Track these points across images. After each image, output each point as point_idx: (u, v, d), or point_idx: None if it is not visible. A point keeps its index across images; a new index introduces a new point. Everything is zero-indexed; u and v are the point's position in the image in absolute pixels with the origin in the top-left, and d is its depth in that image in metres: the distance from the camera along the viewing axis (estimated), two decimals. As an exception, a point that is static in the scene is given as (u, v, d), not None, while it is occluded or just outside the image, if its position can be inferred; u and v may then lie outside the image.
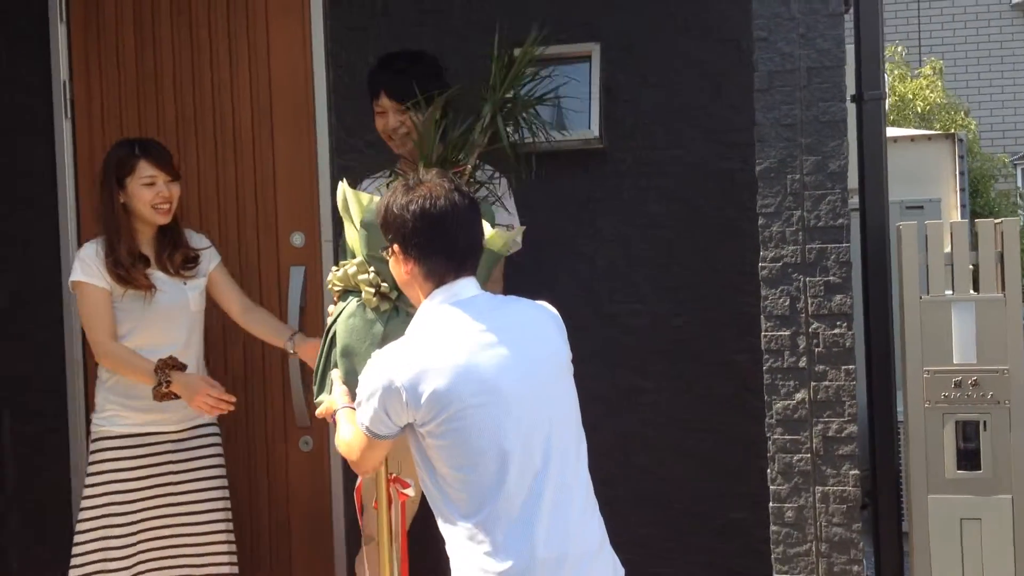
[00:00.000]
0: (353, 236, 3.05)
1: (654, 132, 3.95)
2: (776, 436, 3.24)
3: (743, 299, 3.74)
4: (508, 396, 2.49)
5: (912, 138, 7.61)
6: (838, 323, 3.21)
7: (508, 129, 3.46)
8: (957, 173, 7.34)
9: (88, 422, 4.36)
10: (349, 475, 4.00)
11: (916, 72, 12.79)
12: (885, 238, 3.73)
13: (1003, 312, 3.42)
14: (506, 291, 2.82)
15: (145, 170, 3.68)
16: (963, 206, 7.36)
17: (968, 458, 3.40)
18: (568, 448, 2.58)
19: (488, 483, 2.46)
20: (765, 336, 3.25)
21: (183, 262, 3.77)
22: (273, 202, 4.24)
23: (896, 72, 12.38)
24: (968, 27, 15.10)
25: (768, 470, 3.26)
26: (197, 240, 3.88)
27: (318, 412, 3.01)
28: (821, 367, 3.22)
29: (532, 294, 2.86)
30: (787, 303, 3.23)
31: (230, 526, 3.85)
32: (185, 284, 3.77)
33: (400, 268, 2.64)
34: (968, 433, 3.41)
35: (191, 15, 4.32)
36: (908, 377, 3.46)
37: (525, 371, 2.53)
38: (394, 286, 2.90)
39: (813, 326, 3.22)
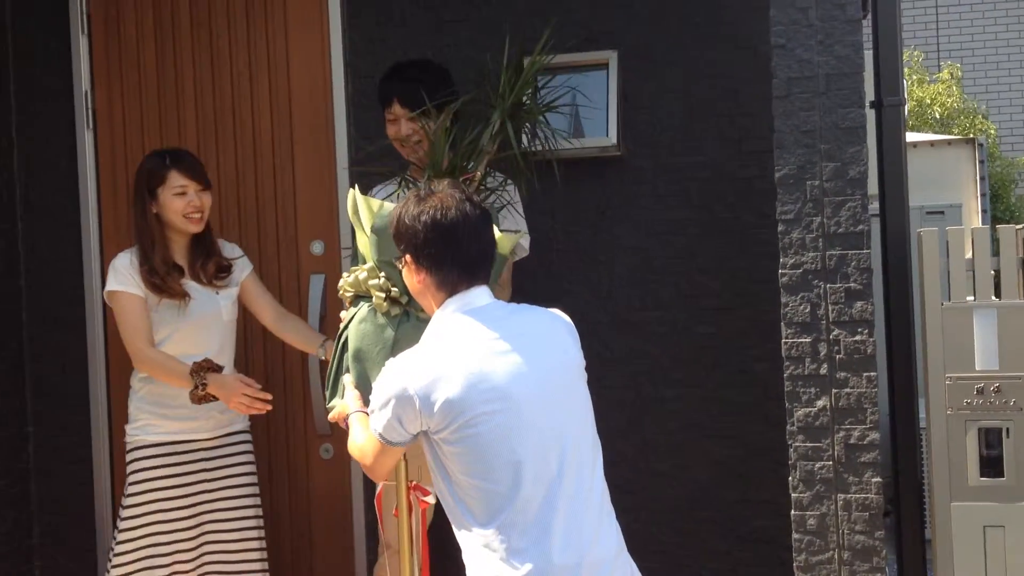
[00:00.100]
0: (364, 242, 3.07)
1: (672, 139, 3.96)
2: (797, 443, 3.23)
3: (763, 306, 3.73)
4: (521, 403, 2.50)
5: (932, 143, 7.57)
6: (859, 330, 3.19)
7: (527, 135, 3.48)
8: (977, 178, 7.30)
9: (111, 433, 4.41)
10: (369, 483, 4.01)
11: (934, 77, 12.74)
12: (906, 244, 3.72)
13: (1025, 318, 3.40)
14: (523, 299, 2.81)
15: (176, 180, 3.71)
16: (984, 211, 7.32)
17: (991, 465, 3.39)
18: (583, 455, 2.58)
19: (503, 490, 2.47)
20: (786, 343, 3.24)
21: (216, 271, 3.80)
22: (293, 211, 4.26)
23: (915, 77, 12.34)
24: (986, 31, 15.03)
25: (790, 478, 3.25)
26: (229, 250, 3.91)
27: (330, 416, 3.04)
28: (843, 374, 3.20)
29: (550, 302, 2.86)
30: (807, 310, 3.22)
31: (262, 533, 3.87)
32: (218, 293, 3.79)
33: (413, 278, 2.66)
34: (991, 440, 3.39)
35: (211, 26, 4.35)
36: (930, 384, 3.45)
37: (539, 378, 2.54)
38: (404, 291, 2.91)
39: (834, 333, 3.21)
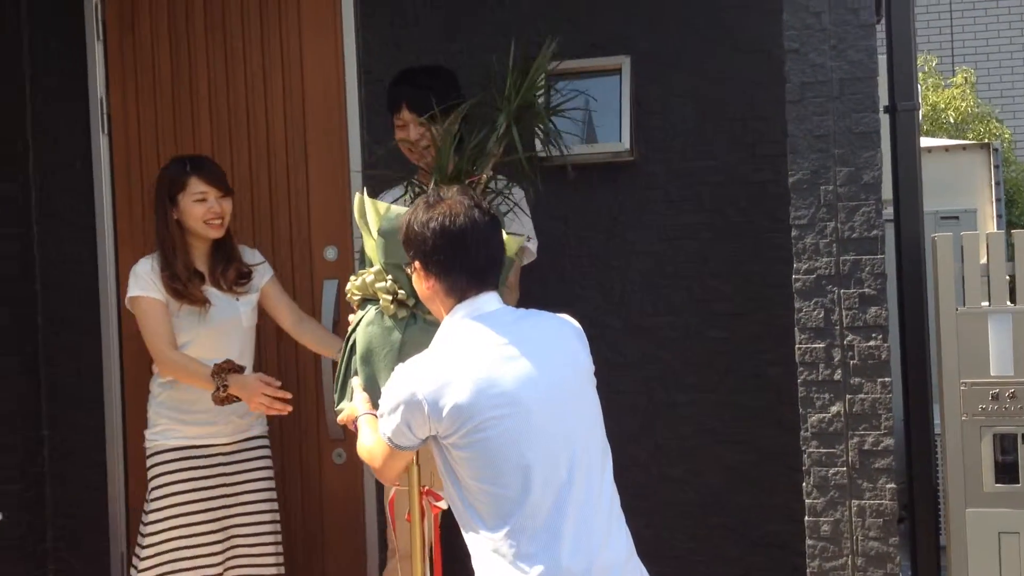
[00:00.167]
0: (371, 245, 3.07)
1: (685, 144, 3.95)
2: (811, 449, 3.22)
3: (777, 311, 3.72)
4: (531, 408, 2.50)
5: (947, 148, 7.55)
6: (873, 335, 3.18)
7: (539, 139, 3.48)
8: (992, 183, 7.28)
9: (126, 437, 4.42)
10: (382, 488, 4.01)
11: (948, 82, 12.71)
12: (920, 249, 3.71)
13: (1040, 323, 3.39)
14: (535, 304, 2.82)
15: (196, 186, 3.73)
16: (999, 216, 7.29)
17: (1006, 471, 3.37)
18: (593, 459, 2.58)
19: (512, 495, 2.47)
20: (799, 348, 3.23)
21: (236, 277, 3.81)
22: (306, 216, 4.27)
23: (929, 82, 12.31)
24: (1001, 36, 14.98)
25: (803, 483, 3.24)
26: (250, 255, 3.93)
27: (339, 419, 3.05)
28: (857, 380, 3.19)
29: (563, 307, 2.86)
30: (821, 315, 3.21)
31: (279, 539, 3.89)
32: (238, 300, 3.81)
33: (422, 284, 2.67)
34: (1006, 446, 3.37)
35: (225, 30, 4.36)
36: (945, 389, 3.43)
37: (548, 383, 2.54)
38: (411, 293, 2.93)
39: (848, 338, 3.20)
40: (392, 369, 2.84)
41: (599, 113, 3.98)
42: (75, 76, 4.47)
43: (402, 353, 2.91)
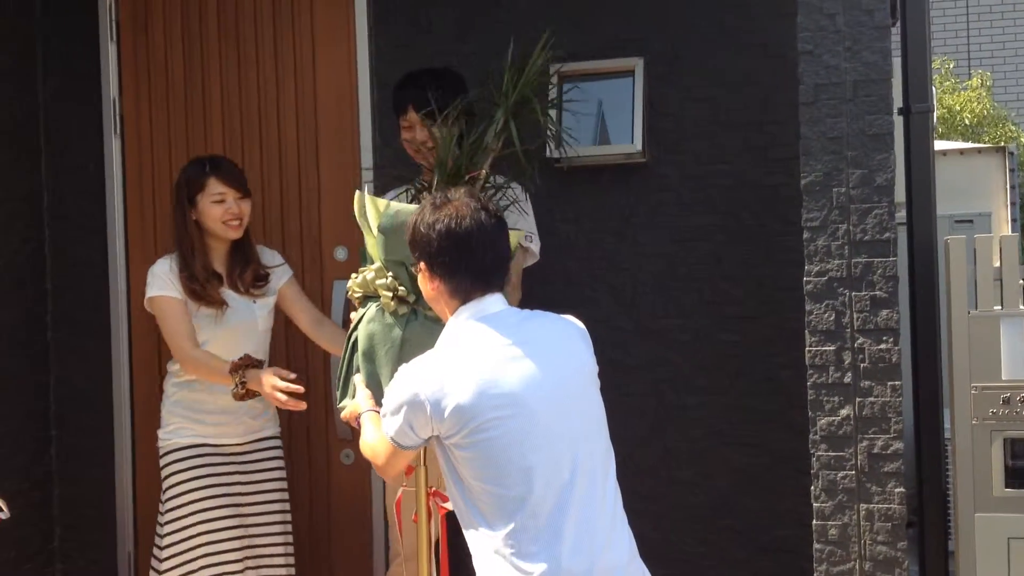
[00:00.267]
0: (371, 242, 3.08)
1: (698, 146, 3.94)
2: (820, 453, 3.20)
3: (788, 314, 3.71)
4: (534, 409, 2.50)
5: (961, 151, 7.51)
6: (884, 338, 3.17)
7: (550, 139, 3.48)
8: (1007, 186, 7.24)
9: (134, 437, 4.44)
10: (386, 488, 4.01)
11: (964, 85, 12.66)
12: (933, 252, 3.69)
13: (1053, 328, 3.37)
14: (546, 306, 2.81)
15: (215, 187, 3.74)
16: (1014, 220, 7.25)
17: (1016, 476, 3.34)
18: (596, 461, 2.58)
19: (514, 495, 2.47)
20: (810, 351, 3.22)
21: (253, 280, 3.82)
22: (317, 217, 4.28)
23: (945, 85, 12.27)
24: (1017, 39, 14.91)
25: (812, 487, 3.22)
26: (269, 256, 3.93)
27: (342, 416, 3.05)
28: (867, 383, 3.18)
29: (573, 309, 2.85)
30: (832, 318, 3.20)
31: (289, 538, 3.90)
32: (254, 303, 3.82)
33: (427, 285, 2.68)
34: (1016, 450, 3.35)
35: (238, 34, 4.37)
36: (955, 393, 3.41)
37: (551, 384, 2.54)
38: (412, 290, 2.94)
39: (859, 341, 3.18)
40: (393, 365, 2.86)
41: (611, 114, 3.98)
42: (88, 77, 4.48)
43: (403, 349, 2.92)
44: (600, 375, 2.73)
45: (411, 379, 2.54)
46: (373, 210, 3.04)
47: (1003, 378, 3.37)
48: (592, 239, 4.02)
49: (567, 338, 2.66)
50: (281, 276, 3.91)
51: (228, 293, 3.77)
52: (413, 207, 2.98)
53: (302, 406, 3.50)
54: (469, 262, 2.61)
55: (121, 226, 4.46)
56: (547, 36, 3.36)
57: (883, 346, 3.17)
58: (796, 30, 3.29)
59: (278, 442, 3.93)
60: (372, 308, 3.05)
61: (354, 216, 3.12)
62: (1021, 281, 3.45)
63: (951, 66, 12.99)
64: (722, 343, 3.91)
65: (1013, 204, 7.29)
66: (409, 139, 3.65)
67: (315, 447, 4.28)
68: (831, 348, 3.20)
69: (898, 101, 3.62)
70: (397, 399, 2.56)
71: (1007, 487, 3.35)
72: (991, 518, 3.35)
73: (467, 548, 2.58)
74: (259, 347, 3.82)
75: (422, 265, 2.66)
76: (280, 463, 3.92)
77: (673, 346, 3.95)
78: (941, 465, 3.66)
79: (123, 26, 4.49)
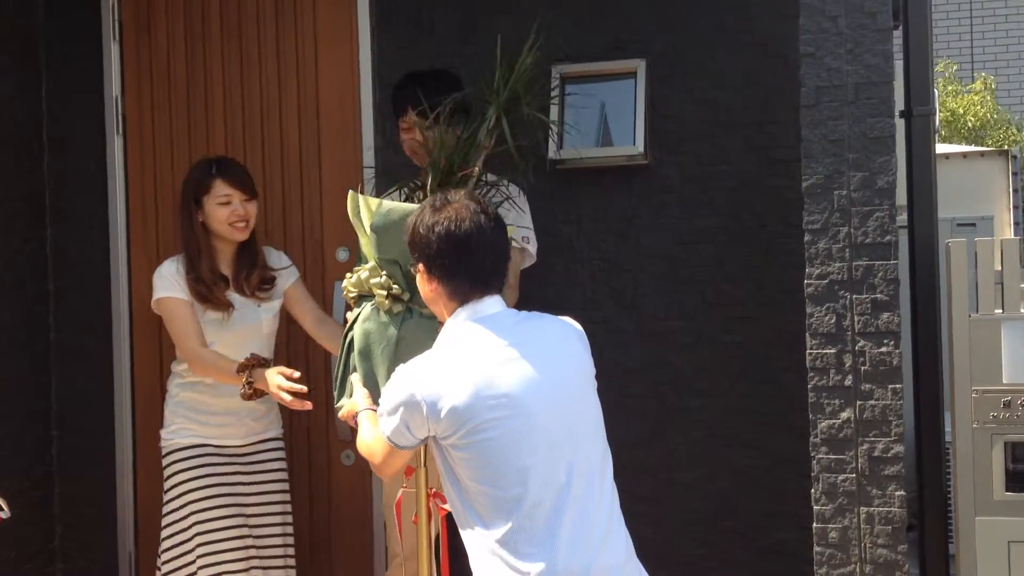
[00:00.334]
0: (364, 241, 3.08)
1: (699, 148, 3.94)
2: (821, 455, 3.20)
3: (789, 316, 3.71)
4: (531, 410, 2.50)
5: (964, 155, 7.50)
6: (885, 341, 3.17)
7: (554, 141, 3.48)
8: (1010, 190, 7.23)
9: (135, 437, 4.44)
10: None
11: (967, 88, 12.65)
12: (934, 255, 3.69)
13: (1054, 331, 3.36)
14: (547, 307, 2.81)
15: (221, 189, 3.73)
16: (1016, 224, 7.25)
17: (1017, 480, 3.34)
18: (593, 462, 2.58)
19: (511, 496, 2.47)
20: (810, 354, 3.22)
21: (259, 283, 3.80)
22: (319, 218, 4.28)
23: (948, 88, 12.26)
24: (1021, 43, 14.90)
25: (812, 490, 3.22)
26: (276, 258, 3.92)
27: (340, 415, 3.06)
28: (867, 386, 3.18)
29: (575, 310, 2.86)
30: (833, 320, 3.20)
31: (289, 539, 3.90)
32: (259, 306, 3.81)
33: (425, 286, 2.68)
34: (1017, 454, 3.35)
35: (241, 34, 4.37)
36: (956, 397, 3.41)
37: (549, 386, 2.54)
38: (406, 288, 2.95)
39: (859, 344, 3.18)
40: (390, 364, 2.87)
41: (614, 116, 3.98)
42: (91, 77, 4.48)
43: (399, 347, 2.94)
44: (601, 377, 2.74)
45: (408, 379, 2.55)
46: (365, 209, 3.05)
47: (1004, 382, 3.37)
48: (594, 241, 4.02)
49: (565, 339, 2.67)
50: (288, 278, 3.90)
51: (234, 296, 3.77)
52: (406, 205, 2.99)
53: (307, 406, 3.47)
54: (468, 265, 2.61)
55: (123, 226, 4.46)
56: (535, 32, 3.36)
57: (884, 349, 3.17)
58: (798, 32, 3.28)
59: (281, 443, 3.94)
60: (367, 307, 3.06)
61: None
62: (1022, 285, 3.45)
63: (954, 69, 12.98)
64: (723, 345, 3.90)
65: (1016, 208, 7.29)
66: (408, 140, 3.66)
67: (316, 448, 4.28)
68: (832, 351, 3.20)
69: (900, 104, 3.62)
70: (394, 399, 2.56)
71: (1008, 491, 3.34)
72: (992, 522, 3.35)
73: (463, 545, 2.58)
74: (263, 350, 3.82)
75: (421, 266, 2.66)
76: (282, 464, 3.92)
77: (674, 348, 3.95)
78: (942, 468, 3.66)
79: (126, 26, 4.49)
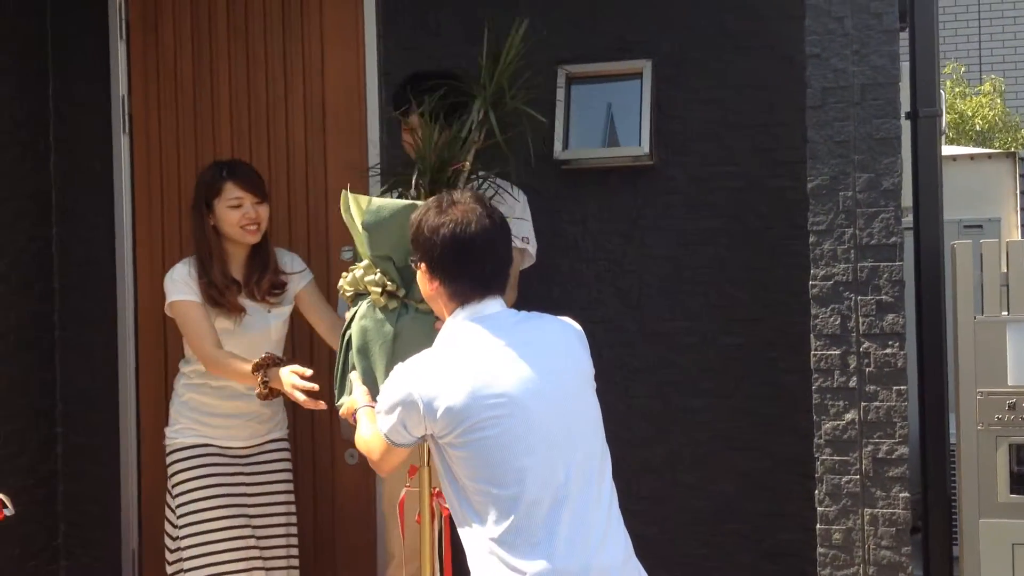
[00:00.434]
0: (358, 239, 3.09)
1: (705, 149, 3.94)
2: (824, 457, 3.20)
3: (794, 318, 3.70)
4: (529, 410, 2.50)
5: (971, 157, 7.49)
6: (890, 343, 3.16)
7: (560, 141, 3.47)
8: (1017, 192, 7.22)
9: (139, 435, 4.45)
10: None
11: (976, 90, 12.63)
12: (939, 257, 3.68)
13: (1060, 334, 3.36)
14: (552, 308, 2.81)
15: (231, 192, 3.72)
16: (1023, 225, 7.23)
17: (1021, 482, 3.33)
18: (591, 462, 2.57)
19: (508, 495, 2.47)
20: (815, 355, 3.21)
21: (270, 288, 3.78)
22: (324, 218, 4.28)
23: (956, 90, 12.24)
24: (1030, 45, 14.89)
25: (816, 491, 3.22)
26: (289, 260, 3.89)
27: (341, 412, 3.07)
28: (872, 387, 3.17)
29: (579, 310, 2.86)
30: (838, 322, 3.20)
31: (293, 540, 3.90)
32: (269, 312, 3.80)
33: (426, 285, 2.68)
34: (1022, 456, 3.34)
35: (247, 34, 4.38)
36: (961, 399, 3.41)
37: (547, 385, 2.54)
38: (401, 284, 2.97)
39: (864, 345, 3.18)
40: (388, 360, 2.88)
41: (619, 117, 3.98)
42: (97, 76, 4.49)
43: (396, 343, 2.95)
44: (606, 376, 2.74)
45: (405, 378, 2.55)
46: (356, 207, 3.05)
47: (1009, 384, 3.36)
48: (599, 241, 4.02)
49: (564, 339, 2.66)
50: (299, 282, 3.87)
51: (245, 301, 3.75)
52: (396, 202, 3.00)
53: (321, 405, 3.41)
54: (472, 269, 2.61)
55: (129, 225, 4.47)
56: (518, 23, 3.36)
57: (889, 351, 3.16)
58: (804, 33, 3.28)
59: (285, 444, 3.94)
60: (363, 305, 3.07)
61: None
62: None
63: (963, 71, 12.96)
64: (728, 346, 3.90)
65: (1023, 209, 7.28)
66: (410, 141, 3.65)
67: (319, 447, 4.29)
68: (836, 352, 3.19)
69: (906, 105, 3.62)
70: (391, 398, 2.57)
71: (1012, 493, 3.34)
72: (996, 524, 3.34)
73: (462, 545, 2.58)
74: None
75: (423, 266, 2.66)
76: (286, 465, 3.92)
77: (679, 349, 3.95)
78: (946, 470, 3.65)
79: (133, 25, 4.50)
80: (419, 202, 2.97)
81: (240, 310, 3.72)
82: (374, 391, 2.88)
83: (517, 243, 3.55)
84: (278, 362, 3.54)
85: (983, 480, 3.36)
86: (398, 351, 2.91)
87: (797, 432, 3.70)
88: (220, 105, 4.41)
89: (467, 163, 3.25)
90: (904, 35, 3.66)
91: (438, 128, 3.28)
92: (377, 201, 3.01)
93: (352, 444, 4.16)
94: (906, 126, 3.63)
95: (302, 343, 4.15)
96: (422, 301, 2.85)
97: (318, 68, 4.31)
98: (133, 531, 4.47)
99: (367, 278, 3.04)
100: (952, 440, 3.57)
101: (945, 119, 7.89)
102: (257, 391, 3.52)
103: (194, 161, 4.38)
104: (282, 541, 3.86)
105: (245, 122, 4.38)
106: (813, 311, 3.23)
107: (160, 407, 4.12)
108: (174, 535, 3.77)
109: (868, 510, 3.16)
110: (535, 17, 4.02)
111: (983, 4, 14.77)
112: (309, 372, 3.41)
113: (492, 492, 2.48)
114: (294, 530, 3.91)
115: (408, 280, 2.98)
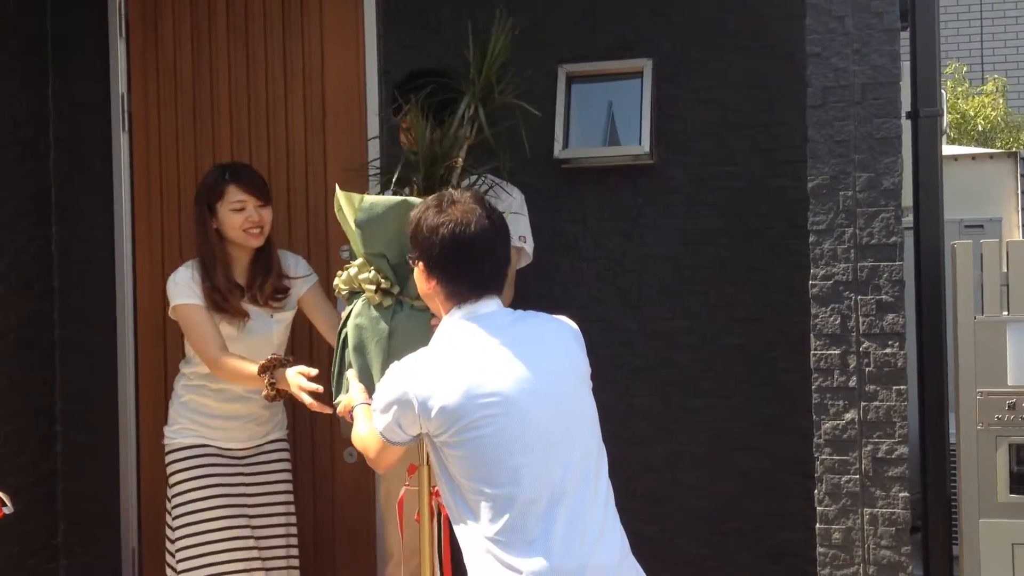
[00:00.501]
0: (352, 237, 3.09)
1: (705, 148, 3.93)
2: (824, 456, 3.20)
3: (794, 317, 3.70)
4: (525, 409, 2.50)
5: (973, 156, 7.49)
6: (890, 342, 3.16)
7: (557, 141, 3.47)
8: (1019, 192, 7.22)
9: (139, 434, 4.44)
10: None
11: (978, 90, 12.63)
12: (939, 257, 3.68)
13: (1060, 333, 3.35)
14: (552, 307, 2.81)
15: (234, 195, 3.70)
16: (1024, 225, 7.23)
17: (1021, 482, 3.33)
18: (588, 460, 2.57)
19: (504, 494, 2.47)
20: (814, 355, 3.21)
21: (272, 292, 3.76)
22: (324, 217, 4.28)
23: (959, 90, 12.23)
24: (1032, 44, 14.88)
25: (815, 491, 3.21)
26: (293, 263, 3.87)
27: (338, 410, 3.08)
28: (872, 387, 3.17)
29: (579, 310, 2.86)
30: (838, 322, 3.19)
31: (292, 540, 3.90)
32: (271, 316, 3.78)
33: (423, 284, 2.68)
34: (1022, 456, 3.34)
35: (247, 33, 4.38)
36: (961, 398, 3.40)
37: (543, 384, 2.54)
38: (395, 281, 2.97)
39: (864, 345, 3.17)
40: (384, 358, 2.89)
41: (620, 116, 3.97)
42: (97, 75, 4.49)
43: (391, 341, 2.95)
44: (607, 375, 2.74)
45: (401, 377, 2.55)
46: (348, 205, 3.05)
47: (1008, 384, 3.36)
48: (599, 240, 4.02)
49: (560, 339, 2.66)
50: (303, 286, 3.85)
51: (248, 305, 3.74)
52: (388, 198, 3.01)
53: (328, 410, 3.36)
54: (470, 270, 2.61)
55: (128, 224, 4.47)
56: (500, 13, 3.36)
57: (888, 350, 3.16)
58: (805, 32, 3.28)
59: (285, 444, 3.93)
60: (358, 303, 3.08)
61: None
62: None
63: (964, 71, 12.95)
64: (728, 346, 3.90)
65: (1024, 209, 7.27)
66: (406, 142, 3.63)
67: (319, 447, 4.29)
68: (836, 352, 3.19)
69: (907, 105, 3.62)
70: (387, 396, 2.57)
71: (1012, 493, 3.34)
72: (996, 524, 3.34)
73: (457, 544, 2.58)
74: None
75: (421, 264, 2.66)
76: (286, 465, 3.91)
77: (679, 348, 3.94)
78: (946, 470, 3.65)
79: (133, 24, 4.50)
80: (412, 199, 2.98)
81: (243, 315, 3.71)
82: (370, 388, 2.89)
83: (514, 242, 3.54)
84: (284, 363, 3.52)
85: (983, 480, 3.36)
86: (394, 348, 2.91)
87: (797, 432, 3.69)
88: (220, 104, 4.41)
89: (459, 159, 3.25)
90: (905, 34, 3.66)
91: (430, 125, 3.27)
92: (369, 198, 3.01)
93: (351, 442, 4.18)
94: (907, 126, 3.63)
95: (302, 343, 4.15)
96: (417, 298, 2.86)
97: (318, 68, 4.31)
98: (133, 529, 4.47)
99: (361, 276, 3.05)
100: (952, 440, 3.57)
101: (947, 119, 7.88)
102: (264, 393, 3.50)
103: (194, 160, 4.38)
104: (282, 541, 3.86)
105: (245, 121, 4.38)
106: (813, 311, 3.22)
107: (159, 406, 4.11)
108: (173, 537, 3.76)
109: (868, 510, 3.16)
110: (536, 16, 4.03)
111: (985, 4, 14.76)
112: (315, 372, 3.39)
113: (487, 491, 2.48)
114: (294, 530, 3.91)
115: (402, 277, 2.98)
